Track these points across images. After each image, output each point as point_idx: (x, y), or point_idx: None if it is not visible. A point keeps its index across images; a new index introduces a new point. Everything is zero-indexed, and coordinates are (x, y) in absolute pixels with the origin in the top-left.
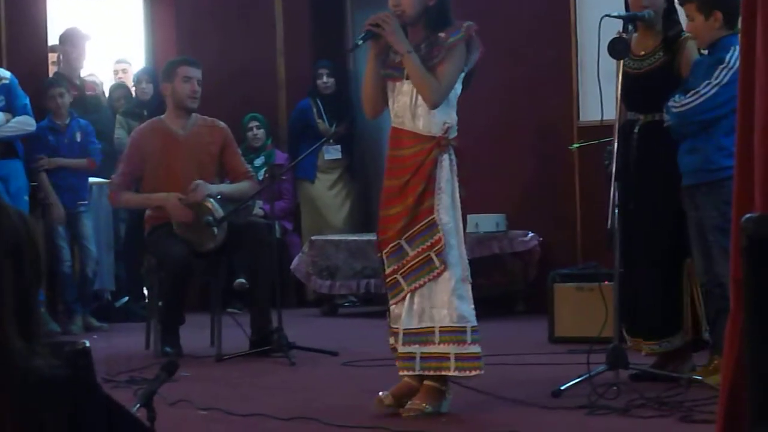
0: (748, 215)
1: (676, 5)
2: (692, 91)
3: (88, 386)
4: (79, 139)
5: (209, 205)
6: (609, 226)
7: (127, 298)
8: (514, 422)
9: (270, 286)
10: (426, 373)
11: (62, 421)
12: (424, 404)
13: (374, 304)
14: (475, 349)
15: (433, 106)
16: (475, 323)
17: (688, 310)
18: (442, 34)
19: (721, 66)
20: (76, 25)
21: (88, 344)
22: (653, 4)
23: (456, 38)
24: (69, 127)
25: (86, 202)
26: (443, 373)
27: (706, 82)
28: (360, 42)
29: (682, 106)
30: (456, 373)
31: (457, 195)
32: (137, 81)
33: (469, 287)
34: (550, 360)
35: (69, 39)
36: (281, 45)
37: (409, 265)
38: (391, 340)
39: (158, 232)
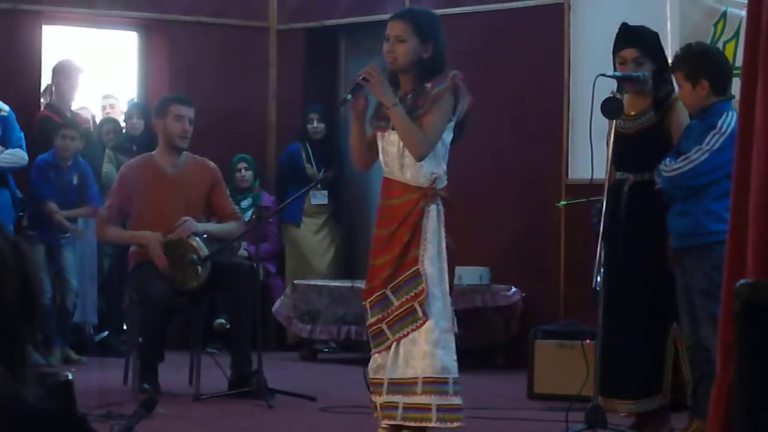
0: (742, 281)
1: (668, 66)
2: (683, 156)
3: (73, 419)
4: (75, 182)
5: (194, 243)
6: (594, 285)
7: (107, 333)
8: None
9: (251, 327)
10: (407, 423)
11: None
12: None
13: (354, 351)
14: (457, 400)
15: (420, 158)
16: (456, 375)
17: (670, 372)
18: (428, 85)
19: (713, 131)
20: (69, 58)
21: (70, 376)
22: (640, 69)
23: (441, 88)
24: (70, 169)
25: (69, 235)
26: (424, 424)
27: (697, 147)
28: (349, 97)
29: (673, 170)
30: (437, 425)
31: (444, 245)
32: (128, 116)
33: (453, 338)
34: (529, 416)
35: (62, 71)
36: (274, 87)
37: (393, 315)
38: (370, 390)
39: (142, 268)
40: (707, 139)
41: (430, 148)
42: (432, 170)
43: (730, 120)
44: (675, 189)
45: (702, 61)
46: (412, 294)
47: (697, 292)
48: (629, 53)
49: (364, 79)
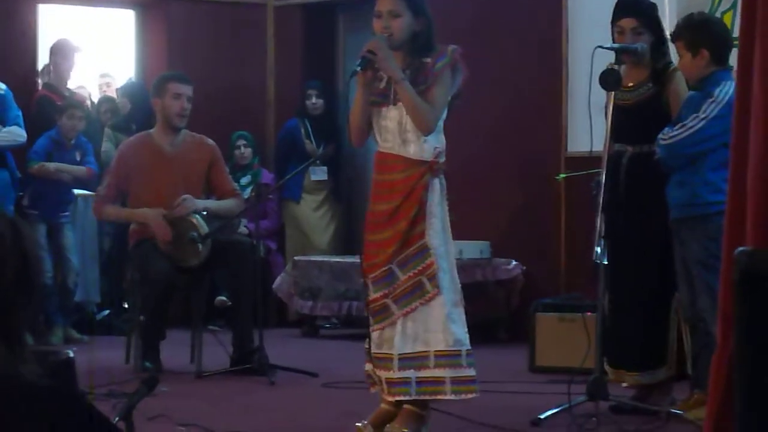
0: (740, 249)
1: (665, 37)
2: (680, 124)
3: (72, 396)
4: (78, 159)
5: (194, 221)
6: (594, 258)
7: (108, 311)
8: None
9: (252, 304)
10: (421, 397)
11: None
12: (404, 429)
13: (355, 327)
14: (471, 372)
15: (428, 132)
16: (469, 347)
17: (674, 344)
18: (428, 60)
19: (710, 100)
20: (66, 37)
21: (71, 354)
22: (638, 42)
23: (443, 63)
24: (72, 147)
25: (68, 213)
26: (439, 397)
27: (694, 115)
28: (359, 69)
29: (670, 138)
30: (452, 397)
31: (448, 219)
32: (118, 95)
33: (463, 311)
34: (530, 389)
35: (60, 50)
36: (272, 64)
37: (400, 290)
38: (368, 367)
39: (142, 246)
40: (703, 107)
41: (437, 121)
42: (435, 144)
43: (727, 89)
44: (672, 157)
45: (703, 31)
46: (420, 268)
47: (693, 263)
48: (628, 23)
49: (371, 52)
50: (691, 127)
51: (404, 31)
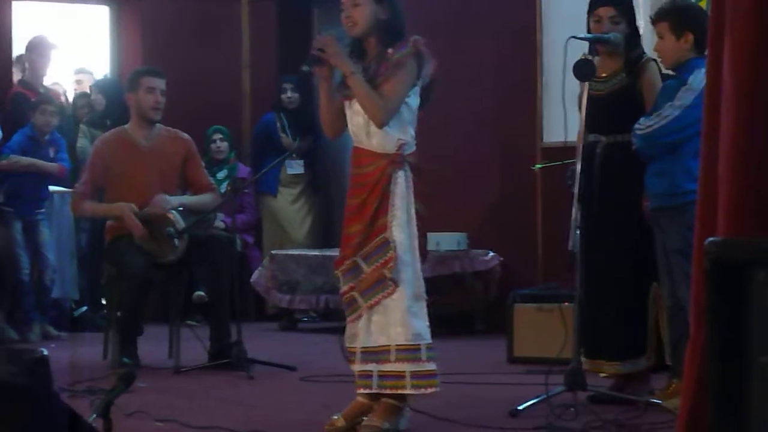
0: (711, 239)
1: (639, 28)
2: (655, 114)
3: (46, 395)
4: (52, 155)
5: (171, 216)
6: (570, 247)
7: (86, 308)
8: None
9: (229, 299)
10: (383, 391)
11: (18, 429)
12: (381, 421)
13: (333, 320)
14: (431, 366)
15: (380, 125)
16: (429, 340)
17: (653, 333)
18: (389, 50)
19: (684, 87)
20: (43, 33)
21: (45, 352)
22: (614, 31)
23: (402, 54)
24: (46, 143)
25: (44, 210)
26: (399, 391)
27: (669, 104)
28: (306, 68)
29: (647, 128)
30: (412, 391)
31: (413, 211)
32: (92, 91)
33: (424, 304)
34: (509, 380)
35: (36, 47)
36: (247, 58)
37: (365, 283)
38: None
39: (119, 242)
40: (678, 95)
41: (391, 114)
42: (398, 136)
43: (701, 76)
44: (649, 147)
45: (690, 15)
46: (382, 261)
47: (672, 253)
48: (606, 11)
49: (320, 50)
50: (666, 116)
51: (367, 18)
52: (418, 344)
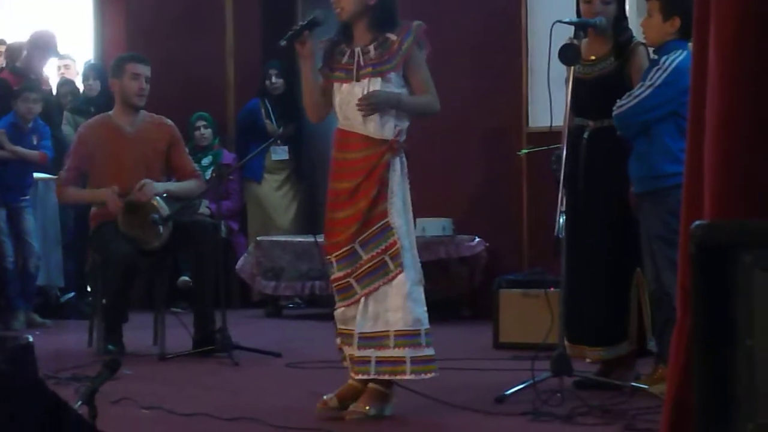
0: (697, 222)
1: (627, 12)
2: (627, 94)
3: (31, 382)
4: (35, 143)
5: (155, 203)
6: (556, 233)
7: (72, 295)
8: (458, 427)
9: (214, 285)
10: (381, 377)
11: (2, 416)
12: (367, 407)
13: (319, 306)
14: (430, 351)
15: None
16: (428, 326)
17: (635, 319)
18: (392, 37)
19: (656, 68)
20: (51, 32)
21: (31, 339)
22: (605, 12)
23: (409, 42)
24: (30, 130)
25: (28, 197)
26: (398, 377)
27: (640, 83)
28: (284, 43)
29: (619, 108)
30: (412, 377)
31: (409, 198)
32: (85, 77)
33: (422, 290)
34: (495, 366)
35: (38, 44)
36: (231, 44)
37: (362, 269)
38: (338, 341)
39: (103, 229)
40: (650, 75)
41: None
42: (396, 123)
43: (675, 57)
44: (623, 127)
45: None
46: (383, 247)
47: (654, 238)
48: None
49: (310, 23)
50: (637, 96)
51: (353, 5)
52: (418, 329)
